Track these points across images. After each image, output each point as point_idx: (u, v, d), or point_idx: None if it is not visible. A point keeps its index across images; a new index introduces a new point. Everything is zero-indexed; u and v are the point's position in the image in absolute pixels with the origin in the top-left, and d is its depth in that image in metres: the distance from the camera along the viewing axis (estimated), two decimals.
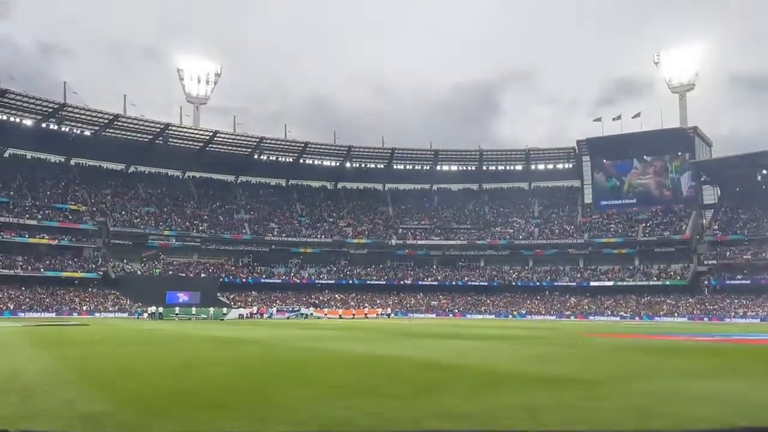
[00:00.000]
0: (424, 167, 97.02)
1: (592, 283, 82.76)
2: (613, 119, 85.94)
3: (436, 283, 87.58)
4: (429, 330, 34.68)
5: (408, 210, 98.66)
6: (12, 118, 72.73)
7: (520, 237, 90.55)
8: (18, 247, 71.09)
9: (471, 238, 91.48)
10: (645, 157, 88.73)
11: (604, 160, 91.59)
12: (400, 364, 14.26)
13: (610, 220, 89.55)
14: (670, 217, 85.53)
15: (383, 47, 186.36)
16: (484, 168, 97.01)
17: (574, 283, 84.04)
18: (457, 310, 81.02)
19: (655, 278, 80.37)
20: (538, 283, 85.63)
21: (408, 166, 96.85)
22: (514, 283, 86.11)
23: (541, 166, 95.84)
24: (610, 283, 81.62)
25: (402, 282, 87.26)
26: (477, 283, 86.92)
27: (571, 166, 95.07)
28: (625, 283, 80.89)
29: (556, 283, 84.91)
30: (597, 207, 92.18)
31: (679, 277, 79.17)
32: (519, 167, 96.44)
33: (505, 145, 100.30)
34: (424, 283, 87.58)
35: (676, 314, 72.43)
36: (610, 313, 76.30)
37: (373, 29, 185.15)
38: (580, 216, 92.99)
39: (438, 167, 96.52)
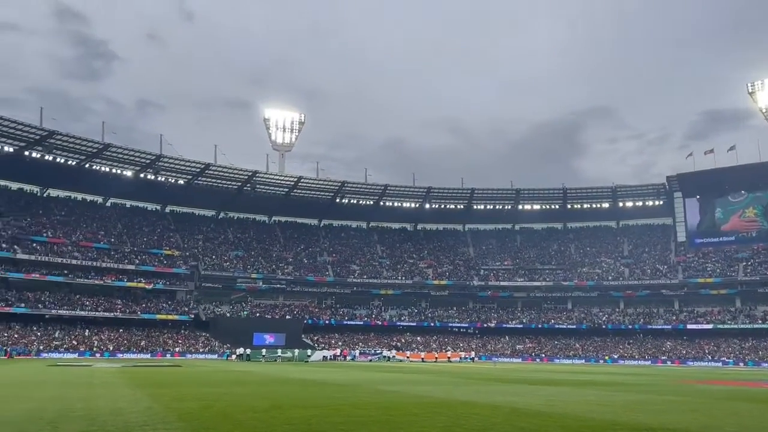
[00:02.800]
0: (506, 207, 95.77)
1: (689, 326, 78.11)
2: (705, 153, 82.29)
3: (521, 326, 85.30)
4: (515, 375, 33.73)
5: (489, 250, 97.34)
6: (114, 170, 78.13)
7: (609, 278, 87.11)
8: (117, 291, 75.37)
9: (557, 279, 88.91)
10: (742, 191, 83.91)
11: (698, 196, 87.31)
12: (486, 410, 13.95)
13: (706, 258, 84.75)
14: None
15: (460, 88, 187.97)
16: (569, 206, 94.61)
17: (669, 326, 79.64)
18: (544, 355, 78.35)
19: (760, 321, 74.90)
20: (630, 326, 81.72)
21: (488, 206, 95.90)
22: (604, 326, 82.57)
23: (629, 204, 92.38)
24: (709, 326, 76.76)
25: (485, 325, 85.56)
26: (564, 326, 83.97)
27: (661, 202, 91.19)
28: (726, 326, 75.83)
29: (649, 326, 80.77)
30: (691, 245, 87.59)
31: None
32: (606, 205, 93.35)
33: (590, 182, 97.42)
34: (508, 325, 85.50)
35: None
36: (710, 358, 71.57)
37: (449, 71, 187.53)
38: (674, 255, 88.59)
39: (520, 206, 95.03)
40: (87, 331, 69.84)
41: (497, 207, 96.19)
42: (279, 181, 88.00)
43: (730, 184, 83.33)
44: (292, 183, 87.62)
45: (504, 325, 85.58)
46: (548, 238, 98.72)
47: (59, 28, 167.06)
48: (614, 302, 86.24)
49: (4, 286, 69.25)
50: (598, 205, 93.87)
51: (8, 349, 60.30)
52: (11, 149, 70.42)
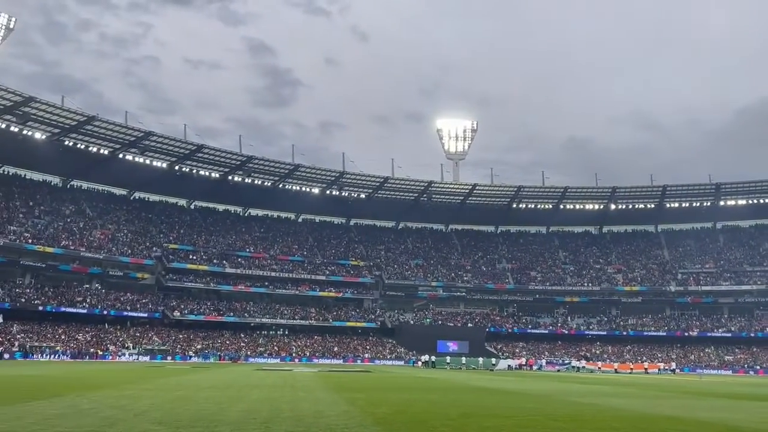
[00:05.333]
0: (704, 203, 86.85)
1: None
2: None
3: (729, 334, 76.85)
4: (726, 389, 30.37)
5: (687, 252, 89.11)
6: (303, 188, 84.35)
7: None
8: (311, 300, 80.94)
9: None
10: None
11: None
12: (695, 427, 12.71)
13: None
14: None
15: (645, 78, 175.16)
16: None
17: None
18: (759, 367, 69.71)
19: None
20: None
21: (684, 204, 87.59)
22: None
23: None
24: None
25: (686, 333, 78.27)
26: None
27: None
28: None
29: None
30: None
31: None
32: None
33: None
34: (713, 334, 77.44)
35: None
36: None
37: (632, 61, 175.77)
38: None
39: (721, 202, 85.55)
40: (286, 337, 75.85)
41: (694, 204, 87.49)
42: (454, 190, 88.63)
43: None
44: (467, 191, 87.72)
45: (708, 334, 77.60)
46: (758, 237, 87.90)
47: (251, 62, 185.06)
48: None
49: (216, 297, 77.78)
50: None
51: (222, 354, 67.52)
52: (218, 175, 79.17)
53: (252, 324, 76.04)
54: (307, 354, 72.03)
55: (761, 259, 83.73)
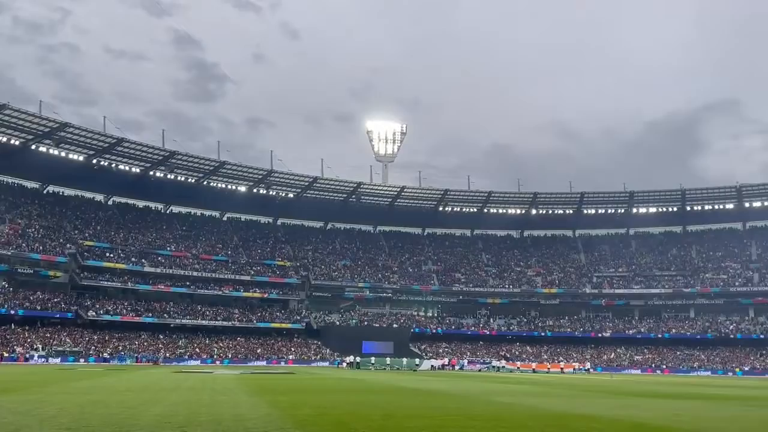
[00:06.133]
0: (618, 210, 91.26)
1: None
2: None
3: (639, 335, 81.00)
4: (635, 387, 31.97)
5: (602, 257, 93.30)
6: (229, 186, 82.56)
7: (737, 283, 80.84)
8: (235, 301, 79.29)
9: (677, 285, 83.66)
10: None
11: None
12: (605, 425, 13.28)
13: None
14: None
15: (566, 88, 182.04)
16: (688, 208, 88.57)
17: None
18: (665, 366, 73.81)
19: None
20: (762, 336, 75.25)
21: (600, 210, 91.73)
22: (732, 336, 76.61)
23: (756, 204, 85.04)
24: None
25: (599, 334, 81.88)
26: (687, 336, 78.74)
27: None
28: None
29: None
30: None
31: None
32: (730, 206, 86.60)
33: (711, 182, 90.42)
34: (624, 335, 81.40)
35: None
36: None
37: (552, 72, 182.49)
38: None
39: (634, 210, 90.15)
40: (208, 339, 73.96)
41: (609, 211, 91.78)
42: (383, 192, 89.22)
43: None
44: (396, 193, 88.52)
45: (620, 335, 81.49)
46: (666, 243, 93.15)
47: (176, 54, 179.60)
48: (743, 310, 79.88)
49: (134, 297, 74.91)
50: (721, 206, 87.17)
51: (139, 356, 65.08)
52: (138, 170, 76.32)
53: (172, 325, 73.71)
54: (230, 356, 70.51)
55: (669, 264, 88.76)
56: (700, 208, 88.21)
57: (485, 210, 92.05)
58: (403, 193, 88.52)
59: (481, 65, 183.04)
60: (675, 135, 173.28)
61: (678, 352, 77.27)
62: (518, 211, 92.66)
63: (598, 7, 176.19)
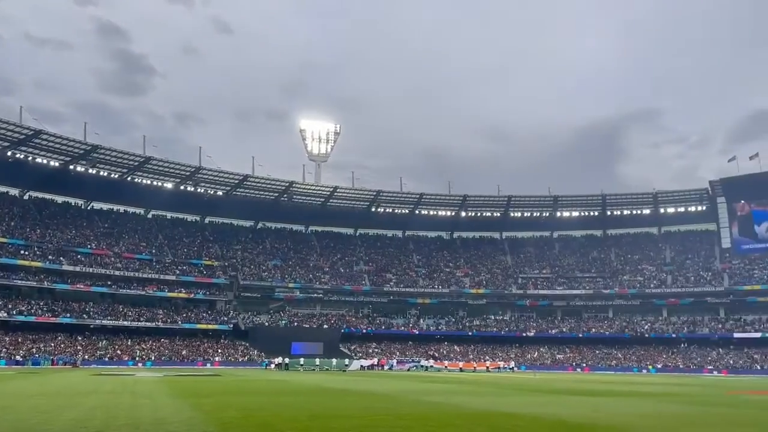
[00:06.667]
0: (544, 214, 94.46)
1: (736, 335, 75.63)
2: (750, 158, 79.75)
3: (560, 335, 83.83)
4: (556, 385, 33.07)
5: (528, 258, 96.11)
6: (155, 182, 79.87)
7: (652, 285, 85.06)
8: (159, 301, 76.76)
9: (597, 287, 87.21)
10: None
11: (743, 201, 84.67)
12: (528, 422, 13.65)
13: (753, 265, 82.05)
14: None
15: (498, 94, 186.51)
16: (608, 213, 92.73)
17: (716, 335, 77.24)
18: (585, 364, 76.75)
19: None
20: (674, 335, 79.54)
21: (526, 214, 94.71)
22: (646, 335, 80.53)
23: (671, 210, 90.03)
24: (758, 335, 74.15)
25: (524, 334, 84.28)
26: (605, 335, 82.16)
27: (704, 208, 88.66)
28: None
29: (694, 335, 78.44)
30: (737, 251, 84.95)
31: None
32: (647, 211, 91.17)
33: (631, 188, 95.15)
34: (547, 335, 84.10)
35: None
36: (759, 367, 69.09)
37: (486, 77, 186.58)
38: (718, 261, 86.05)
39: (558, 214, 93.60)
40: (130, 340, 71.29)
41: (535, 214, 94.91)
42: (315, 191, 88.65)
43: None
44: (328, 193, 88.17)
45: (543, 335, 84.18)
46: (587, 246, 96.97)
47: (100, 43, 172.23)
48: (657, 310, 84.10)
49: (51, 296, 71.26)
50: (639, 212, 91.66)
51: (55, 358, 61.95)
52: (57, 164, 72.68)
53: (91, 326, 70.56)
54: (153, 358, 68.17)
55: (589, 267, 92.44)
56: (619, 213, 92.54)
57: (417, 211, 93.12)
58: (335, 193, 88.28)
59: (417, 68, 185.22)
60: (600, 141, 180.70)
61: (597, 351, 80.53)
62: (449, 213, 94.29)
63: (532, 16, 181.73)
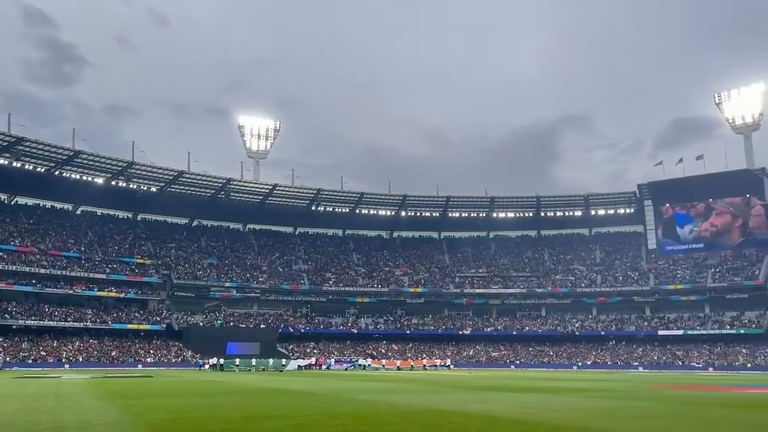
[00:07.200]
0: (480, 214, 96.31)
1: (660, 332, 79.22)
2: (676, 163, 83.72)
3: (495, 333, 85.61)
4: (490, 382, 33.80)
5: (465, 258, 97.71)
6: (85, 177, 76.72)
7: (582, 285, 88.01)
8: (87, 301, 73.86)
9: (531, 286, 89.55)
10: (710, 200, 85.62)
11: (668, 204, 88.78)
12: (462, 419, 13.91)
13: (676, 266, 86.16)
14: (742, 262, 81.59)
15: (438, 97, 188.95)
16: (542, 214, 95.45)
17: (641, 333, 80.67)
18: (518, 361, 78.70)
19: (728, 326, 76.26)
20: (602, 333, 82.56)
21: (464, 214, 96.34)
22: (577, 333, 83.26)
23: (601, 212, 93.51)
24: (680, 332, 77.94)
25: (460, 332, 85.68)
26: (538, 333, 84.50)
27: (632, 210, 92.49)
28: (695, 332, 77.06)
29: (621, 333, 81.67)
30: (662, 252, 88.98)
31: (754, 326, 74.88)
32: (578, 213, 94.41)
33: (564, 190, 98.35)
34: (483, 333, 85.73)
35: (752, 365, 68.33)
36: (681, 363, 72.64)
37: (427, 81, 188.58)
38: (645, 262, 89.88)
39: (494, 214, 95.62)
40: (56, 342, 68.30)
41: (472, 215, 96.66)
42: (254, 189, 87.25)
43: (698, 192, 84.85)
44: (267, 190, 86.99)
45: (479, 333, 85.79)
46: (522, 246, 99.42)
47: (27, 31, 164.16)
48: (587, 309, 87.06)
49: None
50: (571, 213, 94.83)
51: None
52: None
53: (14, 326, 67.14)
54: (81, 359, 65.53)
55: (524, 266, 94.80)
56: (552, 214, 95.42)
57: (357, 210, 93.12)
58: (275, 191, 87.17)
59: (359, 68, 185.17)
60: (536, 145, 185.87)
61: (530, 349, 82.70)
62: (389, 213, 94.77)
63: (472, 22, 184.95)
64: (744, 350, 72.68)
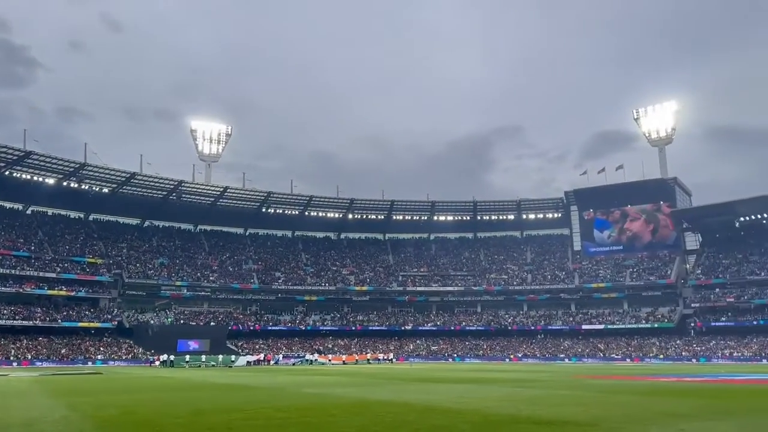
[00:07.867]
0: (422, 218, 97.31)
1: (584, 327, 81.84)
2: (598, 172, 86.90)
3: (435, 328, 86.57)
4: (429, 375, 34.15)
5: (407, 258, 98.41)
6: (35, 178, 73.35)
7: (515, 283, 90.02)
8: (37, 299, 70.57)
9: (468, 284, 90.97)
10: (629, 206, 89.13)
11: (591, 209, 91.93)
12: (401, 408, 14.02)
13: (599, 266, 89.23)
14: (656, 263, 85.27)
15: (381, 106, 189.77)
16: (479, 218, 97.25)
17: (567, 327, 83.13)
18: (456, 355, 79.78)
19: (643, 321, 79.55)
20: (532, 327, 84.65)
21: (407, 217, 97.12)
22: (509, 328, 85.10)
23: (531, 216, 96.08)
24: (601, 327, 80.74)
25: (402, 328, 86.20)
26: (474, 328, 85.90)
27: (560, 215, 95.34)
28: (615, 326, 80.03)
29: (549, 327, 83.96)
30: (586, 253, 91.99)
31: (666, 320, 78.39)
32: (511, 217, 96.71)
33: (498, 196, 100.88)
34: (423, 328, 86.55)
35: (664, 355, 71.47)
36: (602, 355, 75.19)
37: (371, 91, 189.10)
38: (571, 262, 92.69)
39: (435, 218, 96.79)
40: (4, 339, 64.95)
41: (415, 218, 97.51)
42: (205, 191, 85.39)
43: (619, 199, 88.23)
44: (219, 192, 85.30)
45: (420, 328, 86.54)
46: (460, 247, 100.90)
47: None
48: (518, 305, 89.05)
49: None
50: (505, 217, 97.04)
51: None
52: None
53: None
54: (29, 357, 62.54)
55: (461, 266, 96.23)
56: (488, 218, 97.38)
57: (306, 213, 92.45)
58: (226, 194, 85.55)
59: (309, 76, 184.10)
60: (472, 153, 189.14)
61: (467, 342, 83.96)
62: (337, 215, 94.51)
63: (412, 36, 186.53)
64: (657, 342, 75.95)
